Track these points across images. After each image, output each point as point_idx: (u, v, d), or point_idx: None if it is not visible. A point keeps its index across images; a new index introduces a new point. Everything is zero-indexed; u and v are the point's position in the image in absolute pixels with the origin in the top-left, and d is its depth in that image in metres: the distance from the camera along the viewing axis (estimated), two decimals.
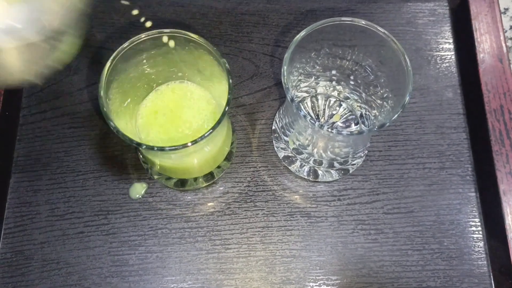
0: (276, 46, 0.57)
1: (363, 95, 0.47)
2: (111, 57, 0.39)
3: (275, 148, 0.52)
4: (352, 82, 0.47)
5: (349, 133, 0.39)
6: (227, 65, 0.40)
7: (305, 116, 0.39)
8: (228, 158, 0.50)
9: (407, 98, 0.39)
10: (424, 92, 0.55)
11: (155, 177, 0.50)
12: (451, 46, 0.57)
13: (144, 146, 0.38)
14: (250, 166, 0.52)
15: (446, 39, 0.58)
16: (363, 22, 0.41)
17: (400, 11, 0.59)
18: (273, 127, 0.53)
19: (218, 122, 0.38)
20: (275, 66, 0.56)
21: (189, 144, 0.38)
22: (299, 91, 0.48)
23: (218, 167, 0.50)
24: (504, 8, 0.60)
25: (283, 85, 0.40)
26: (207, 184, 0.50)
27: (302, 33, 0.41)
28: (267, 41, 0.57)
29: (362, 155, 0.51)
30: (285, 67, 0.40)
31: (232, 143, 0.51)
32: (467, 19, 0.56)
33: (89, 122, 0.53)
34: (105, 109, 0.38)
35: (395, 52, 0.41)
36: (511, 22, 0.59)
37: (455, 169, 0.53)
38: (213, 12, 0.58)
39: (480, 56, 0.54)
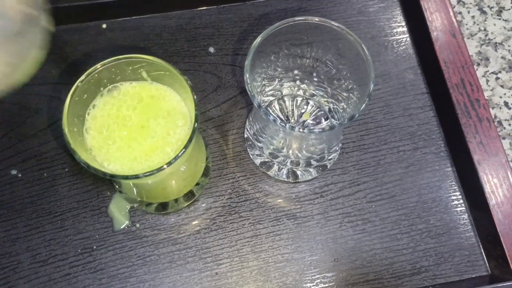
0: (235, 55, 0.57)
1: (328, 90, 0.47)
2: (70, 92, 0.38)
3: (251, 156, 0.52)
4: (315, 79, 0.47)
5: (320, 130, 0.39)
6: (189, 81, 0.39)
7: (274, 120, 0.39)
8: (205, 173, 0.50)
9: (371, 87, 0.40)
10: (386, 78, 0.56)
11: (135, 205, 0.49)
12: (405, 29, 0.58)
13: (118, 176, 0.37)
14: (229, 177, 0.52)
15: (399, 22, 0.59)
16: (317, 19, 0.41)
17: (351, 2, 0.59)
18: (245, 135, 0.52)
19: (190, 140, 0.38)
20: (237, 74, 0.56)
21: (164, 166, 0.37)
22: (265, 95, 0.48)
23: (197, 184, 0.49)
24: None
25: (248, 92, 0.40)
26: (189, 203, 0.50)
27: (259, 39, 0.41)
28: (225, 51, 0.57)
29: (337, 148, 0.51)
30: (247, 75, 0.40)
31: (207, 158, 0.50)
32: (415, 0, 0.57)
33: (57, 161, 0.52)
34: (72, 146, 0.37)
35: (352, 44, 0.41)
36: None
37: (428, 148, 0.53)
38: (167, 31, 0.57)
39: (434, 34, 0.55)
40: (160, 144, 0.40)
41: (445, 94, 0.53)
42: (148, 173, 0.37)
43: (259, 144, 0.49)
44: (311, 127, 0.42)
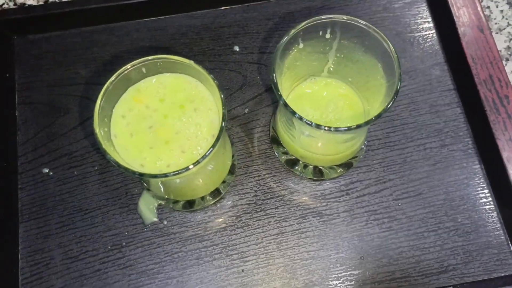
0: (260, 53, 0.57)
1: (354, 87, 0.47)
2: (101, 92, 0.39)
3: (276, 154, 0.52)
4: (341, 76, 0.47)
5: (346, 128, 0.39)
6: (215, 80, 0.40)
7: (300, 118, 0.39)
8: (231, 171, 0.50)
9: (399, 84, 0.39)
10: (412, 74, 0.56)
11: (162, 202, 0.50)
12: (431, 25, 0.58)
13: (147, 175, 0.38)
14: (255, 175, 0.52)
15: (425, 18, 0.58)
16: (344, 17, 0.41)
17: None
18: (271, 133, 0.53)
19: (217, 139, 0.38)
20: (263, 73, 0.56)
21: (191, 166, 0.38)
22: (290, 93, 0.48)
23: (223, 182, 0.50)
24: None
25: (275, 91, 0.40)
26: (215, 200, 0.50)
27: (285, 38, 0.41)
28: (250, 50, 0.57)
29: (363, 146, 0.51)
30: (274, 74, 0.40)
31: (233, 156, 0.51)
32: None
33: (87, 159, 0.53)
34: (103, 145, 0.38)
35: (378, 41, 0.41)
36: None
37: (456, 145, 0.53)
38: (192, 30, 0.58)
39: (461, 29, 0.54)
40: (188, 143, 0.41)
41: (473, 90, 0.53)
42: (176, 172, 0.37)
43: (284, 141, 0.49)
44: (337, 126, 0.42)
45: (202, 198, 0.49)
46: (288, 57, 0.44)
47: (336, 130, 0.39)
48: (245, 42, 0.57)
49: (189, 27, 0.58)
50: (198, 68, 0.40)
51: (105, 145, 0.38)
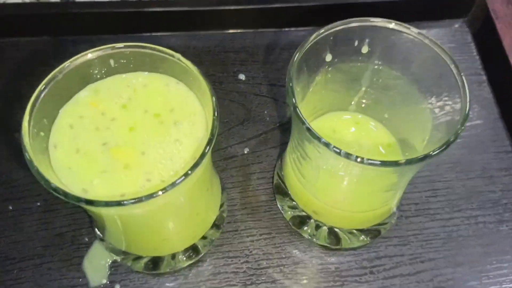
0: (269, 85, 0.46)
1: (391, 126, 0.36)
2: (47, 78, 0.28)
3: (280, 208, 0.39)
4: (375, 112, 0.36)
5: (390, 163, 0.26)
6: (207, 81, 0.28)
7: (327, 144, 0.27)
8: (217, 224, 0.37)
9: (468, 107, 0.28)
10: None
11: (118, 258, 0.36)
12: (480, 66, 0.47)
13: (96, 204, 0.25)
14: (248, 234, 0.39)
15: (474, 57, 0.48)
16: (377, 20, 0.31)
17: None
18: (275, 181, 0.40)
19: (196, 165, 0.26)
20: (270, 107, 0.45)
21: (160, 193, 0.25)
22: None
23: (204, 237, 0.36)
24: None
25: (289, 100, 0.29)
26: (190, 262, 0.37)
27: (309, 41, 0.30)
28: (258, 80, 0.46)
29: (395, 209, 0.38)
30: (291, 74, 0.29)
31: (221, 205, 0.38)
32: (494, 42, 0.46)
33: (29, 192, 0.40)
34: (28, 152, 0.26)
35: (435, 55, 0.30)
36: None
37: None
38: (191, 52, 0.48)
39: None
40: (158, 168, 0.28)
41: None
42: (135, 200, 0.25)
43: (293, 190, 0.37)
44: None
45: (173, 256, 0.36)
46: (310, 74, 0.32)
47: (378, 163, 0.26)
48: (253, 72, 0.47)
49: (188, 48, 0.48)
50: (186, 63, 0.29)
51: (32, 151, 0.26)
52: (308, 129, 0.28)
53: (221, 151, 0.42)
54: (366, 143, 0.36)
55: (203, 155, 0.26)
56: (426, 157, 0.27)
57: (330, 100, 0.36)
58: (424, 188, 0.41)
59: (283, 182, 0.38)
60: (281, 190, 0.39)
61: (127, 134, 0.29)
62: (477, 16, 0.49)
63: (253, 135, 0.43)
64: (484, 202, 0.41)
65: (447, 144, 0.27)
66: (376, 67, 0.32)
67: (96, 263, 0.36)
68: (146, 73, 0.30)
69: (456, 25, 0.50)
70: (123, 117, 0.29)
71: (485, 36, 0.48)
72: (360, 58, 0.32)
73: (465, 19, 0.50)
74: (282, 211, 0.39)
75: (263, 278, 0.37)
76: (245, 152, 0.42)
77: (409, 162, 0.27)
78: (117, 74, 0.30)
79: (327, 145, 0.27)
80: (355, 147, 0.36)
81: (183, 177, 0.25)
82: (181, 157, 0.28)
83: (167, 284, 0.36)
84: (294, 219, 0.38)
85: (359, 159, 0.26)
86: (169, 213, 0.29)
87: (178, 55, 0.29)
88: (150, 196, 0.25)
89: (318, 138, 0.27)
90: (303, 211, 0.37)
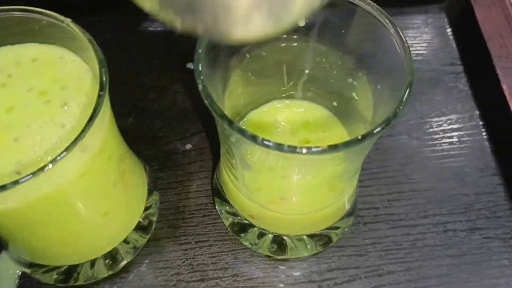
0: None
1: (340, 113, 0.31)
2: None
3: (219, 213, 0.35)
4: (322, 98, 0.31)
5: (330, 147, 0.22)
6: (93, 41, 0.24)
7: (254, 137, 0.22)
8: (143, 228, 0.33)
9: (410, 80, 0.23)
10: (422, 127, 0.39)
11: (28, 270, 0.32)
12: (458, 62, 0.42)
13: None
14: (183, 241, 0.34)
15: (453, 57, 0.43)
16: None
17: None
18: (214, 182, 0.35)
19: (73, 145, 0.21)
20: None
21: (26, 178, 0.20)
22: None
23: (126, 241, 0.32)
24: None
25: (203, 96, 0.24)
26: (112, 272, 0.32)
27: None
28: None
29: (350, 210, 0.33)
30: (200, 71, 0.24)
31: (150, 206, 0.33)
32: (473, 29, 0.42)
33: None
34: None
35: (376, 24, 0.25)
36: None
37: (492, 230, 0.35)
38: (139, 36, 0.43)
39: (501, 72, 0.39)
40: (32, 152, 0.23)
41: None
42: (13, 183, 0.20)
43: (232, 194, 0.32)
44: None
45: (92, 263, 0.31)
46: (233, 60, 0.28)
47: (316, 150, 0.21)
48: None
49: (137, 32, 0.44)
50: (76, 31, 0.24)
51: None
52: (222, 117, 0.23)
53: (159, 147, 0.38)
54: (314, 136, 0.31)
55: (85, 131, 0.21)
56: (362, 139, 0.22)
57: (267, 87, 0.31)
58: (388, 191, 0.36)
59: (220, 184, 0.33)
60: (219, 193, 0.34)
61: (3, 115, 0.24)
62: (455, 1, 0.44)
63: (197, 130, 0.39)
64: (455, 208, 0.36)
65: (387, 122, 0.22)
66: (316, 44, 0.28)
67: (3, 274, 0.32)
68: (38, 44, 0.26)
69: (433, 11, 0.45)
70: (1, 96, 0.24)
71: (463, 23, 0.43)
72: (296, 34, 0.27)
73: (442, 4, 0.45)
74: (221, 216, 0.34)
75: None
76: (187, 149, 0.38)
77: (353, 142, 0.22)
78: (4, 45, 0.26)
79: (254, 138, 0.22)
80: (301, 137, 0.31)
81: (51, 164, 0.20)
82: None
83: None
84: (233, 225, 0.33)
85: (304, 149, 0.21)
86: (59, 211, 0.25)
87: (67, 20, 0.24)
88: (15, 183, 0.20)
89: (230, 122, 0.22)
90: (242, 217, 0.32)
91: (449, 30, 0.44)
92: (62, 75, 0.25)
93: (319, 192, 0.29)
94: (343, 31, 0.27)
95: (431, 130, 0.39)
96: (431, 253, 0.34)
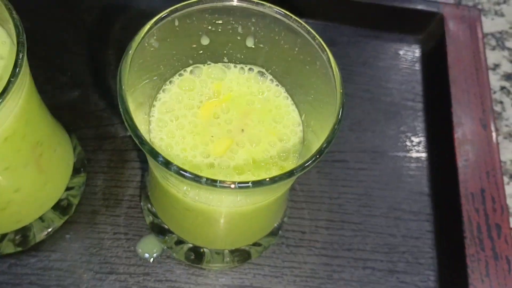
0: None
1: (295, 95, 0.29)
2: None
3: (142, 208, 0.34)
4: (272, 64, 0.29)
5: (254, 183, 0.21)
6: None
7: (167, 164, 0.21)
8: (62, 208, 0.32)
9: (339, 115, 0.22)
10: (376, 157, 0.39)
11: None
12: (420, 99, 0.42)
13: None
14: (100, 230, 0.33)
15: (414, 83, 0.42)
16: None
17: (361, 48, 0.44)
18: (145, 176, 0.35)
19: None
20: None
21: None
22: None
23: (42, 220, 0.31)
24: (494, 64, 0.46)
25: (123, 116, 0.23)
26: (19, 249, 0.31)
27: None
28: None
29: (275, 229, 0.33)
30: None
31: (72, 188, 0.32)
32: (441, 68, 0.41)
33: None
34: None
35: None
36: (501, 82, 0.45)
37: (410, 276, 0.35)
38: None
39: (456, 111, 0.39)
40: None
41: (454, 204, 0.36)
42: None
43: (152, 196, 0.31)
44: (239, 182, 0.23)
45: (2, 237, 0.30)
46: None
47: (242, 187, 0.21)
48: None
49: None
50: None
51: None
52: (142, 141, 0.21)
53: (100, 128, 0.37)
54: (256, 115, 0.28)
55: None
56: (291, 174, 0.21)
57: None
58: (318, 217, 0.36)
59: (146, 181, 0.33)
60: (145, 189, 0.33)
61: None
62: (431, 35, 0.44)
63: None
64: (379, 246, 0.36)
65: (314, 158, 0.22)
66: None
67: None
68: None
69: (408, 42, 0.44)
70: None
71: (433, 61, 0.43)
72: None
73: (419, 37, 0.45)
74: (143, 213, 0.34)
75: (101, 285, 0.32)
76: (127, 135, 0.37)
77: (276, 179, 0.21)
78: None
79: (167, 165, 0.21)
80: (237, 122, 0.28)
81: None
82: None
83: None
84: (154, 226, 0.33)
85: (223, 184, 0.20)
86: None
87: None
88: None
89: (154, 155, 0.21)
90: (162, 221, 0.32)
91: (417, 65, 0.43)
92: None
93: (249, 211, 0.28)
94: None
95: (375, 163, 0.38)
96: (345, 287, 0.34)
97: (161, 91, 0.27)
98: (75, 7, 0.41)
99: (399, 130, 0.40)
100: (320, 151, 0.22)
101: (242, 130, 0.27)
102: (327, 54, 0.23)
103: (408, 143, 0.40)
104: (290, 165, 0.26)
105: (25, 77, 0.23)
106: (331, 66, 0.23)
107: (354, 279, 0.34)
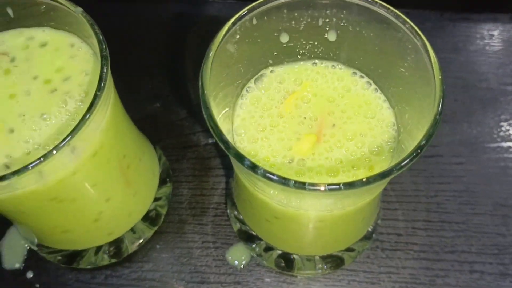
0: None
1: (385, 88, 0.27)
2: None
3: (229, 215, 0.33)
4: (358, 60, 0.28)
5: (344, 185, 0.19)
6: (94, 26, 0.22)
7: (253, 167, 0.20)
8: (151, 219, 0.32)
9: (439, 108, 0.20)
10: (475, 149, 0.36)
11: (35, 247, 0.32)
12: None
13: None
14: (189, 239, 0.33)
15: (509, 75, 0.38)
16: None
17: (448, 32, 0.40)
18: (230, 182, 0.34)
19: (93, 103, 0.20)
20: None
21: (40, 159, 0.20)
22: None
23: (133, 231, 0.31)
24: None
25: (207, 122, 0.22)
26: (114, 261, 0.32)
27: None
28: None
29: (369, 233, 0.31)
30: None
31: (159, 199, 0.32)
32: None
33: None
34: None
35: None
36: None
37: None
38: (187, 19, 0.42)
39: None
40: (25, 144, 0.23)
41: None
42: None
43: (238, 204, 0.31)
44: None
45: (98, 250, 0.31)
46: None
47: (330, 189, 0.19)
48: None
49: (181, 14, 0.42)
50: (87, 20, 0.23)
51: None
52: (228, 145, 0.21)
53: (182, 137, 0.37)
54: (343, 110, 0.26)
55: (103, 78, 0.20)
56: (387, 174, 0.19)
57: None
58: (414, 218, 0.34)
59: (232, 188, 0.32)
60: (231, 197, 0.33)
61: (5, 102, 0.23)
62: None
63: None
64: (487, 247, 0.32)
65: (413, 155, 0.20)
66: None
67: (14, 244, 0.32)
68: (50, 29, 0.25)
69: (502, 21, 0.40)
70: (5, 81, 0.24)
71: None
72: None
73: None
74: (230, 219, 0.33)
75: None
76: (209, 142, 0.36)
77: (371, 180, 0.19)
78: (19, 27, 0.25)
79: (253, 168, 0.20)
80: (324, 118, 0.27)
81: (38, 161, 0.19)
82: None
83: (83, 281, 0.32)
84: (242, 233, 0.32)
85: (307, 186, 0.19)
86: (48, 204, 0.24)
87: (79, 9, 0.23)
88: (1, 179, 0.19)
89: (241, 158, 0.20)
90: (249, 227, 0.31)
91: None
92: (68, 63, 0.24)
93: (337, 218, 0.27)
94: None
95: (473, 156, 0.35)
96: None
97: (241, 95, 0.27)
98: (150, 22, 0.42)
99: (499, 118, 0.37)
100: (420, 147, 0.20)
101: (334, 124, 0.25)
102: (421, 38, 0.21)
103: (511, 132, 0.36)
104: (382, 165, 0.24)
105: (110, 91, 0.23)
106: (426, 51, 0.21)
107: (461, 284, 0.31)
